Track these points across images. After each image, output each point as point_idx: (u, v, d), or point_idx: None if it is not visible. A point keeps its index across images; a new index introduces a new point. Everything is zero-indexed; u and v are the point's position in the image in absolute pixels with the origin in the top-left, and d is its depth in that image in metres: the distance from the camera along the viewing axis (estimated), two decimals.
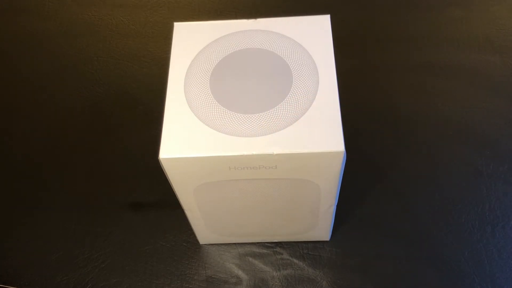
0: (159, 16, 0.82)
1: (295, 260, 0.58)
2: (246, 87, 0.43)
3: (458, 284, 0.55)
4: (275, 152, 0.40)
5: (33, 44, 0.81)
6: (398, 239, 0.58)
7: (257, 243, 0.59)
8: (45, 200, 0.64)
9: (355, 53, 0.74)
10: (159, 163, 0.60)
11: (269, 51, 0.46)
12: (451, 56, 0.74)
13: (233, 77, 0.44)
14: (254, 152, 0.40)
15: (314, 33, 0.46)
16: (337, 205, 0.50)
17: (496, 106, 0.68)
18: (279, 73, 0.44)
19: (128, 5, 0.84)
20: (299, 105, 0.42)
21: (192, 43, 0.47)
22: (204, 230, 0.56)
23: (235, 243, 0.59)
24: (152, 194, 0.64)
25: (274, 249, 0.59)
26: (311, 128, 0.41)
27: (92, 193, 0.64)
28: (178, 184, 0.45)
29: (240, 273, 0.57)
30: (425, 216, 0.60)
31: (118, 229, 0.61)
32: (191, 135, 0.41)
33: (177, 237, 0.60)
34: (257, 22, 0.48)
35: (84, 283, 0.58)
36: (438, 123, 0.67)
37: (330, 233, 0.58)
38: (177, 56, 0.46)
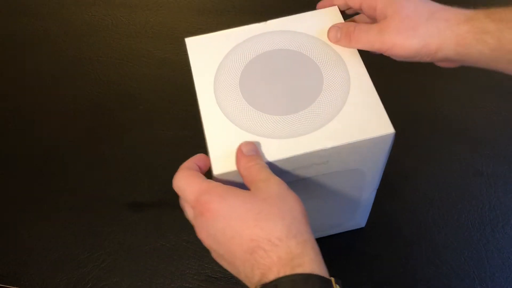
0: (159, 16, 0.82)
1: None
2: (277, 88, 0.43)
3: (458, 284, 0.55)
4: (328, 146, 0.39)
5: (33, 44, 0.81)
6: (398, 239, 0.58)
7: None
8: (45, 200, 0.64)
9: None
10: (159, 163, 0.60)
11: (290, 50, 0.45)
12: None
13: (262, 81, 0.44)
14: (308, 151, 0.39)
15: (328, 26, 0.46)
16: None
17: (496, 106, 0.68)
18: (307, 70, 0.44)
19: (128, 5, 0.84)
20: (336, 97, 0.42)
21: (210, 55, 0.46)
22: None
23: None
24: (152, 194, 0.64)
25: None
26: (355, 117, 0.41)
27: (92, 193, 0.64)
28: None
29: None
30: (425, 216, 0.60)
31: (118, 229, 0.61)
32: (234, 144, 0.40)
33: (177, 237, 0.60)
34: (267, 24, 0.47)
35: (84, 283, 0.58)
36: (438, 123, 0.67)
37: (366, 219, 0.58)
38: (199, 71, 0.45)
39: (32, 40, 0.81)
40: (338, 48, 0.45)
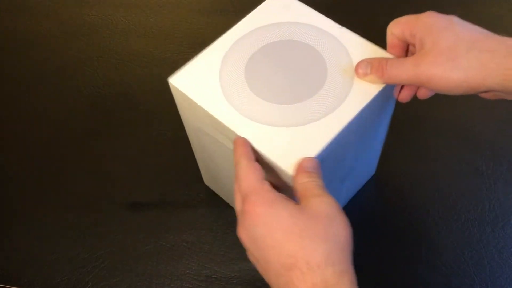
0: (159, 16, 0.82)
1: None
2: (283, 78, 0.44)
3: (458, 284, 0.55)
4: (355, 113, 0.41)
5: (33, 44, 0.81)
6: (398, 239, 0.58)
7: None
8: (45, 200, 0.64)
9: None
10: (159, 163, 0.60)
11: (293, 40, 0.46)
12: None
13: (268, 72, 0.44)
14: (339, 129, 0.41)
15: (294, 10, 0.48)
16: None
17: (496, 106, 0.68)
18: (311, 61, 0.45)
19: (128, 5, 0.84)
20: (342, 85, 0.43)
21: (203, 81, 0.45)
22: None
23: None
24: (152, 194, 0.64)
25: None
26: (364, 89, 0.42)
27: (92, 193, 0.64)
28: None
29: (238, 274, 0.57)
30: (425, 216, 0.60)
31: (118, 229, 0.61)
32: (284, 142, 0.41)
33: (177, 237, 0.60)
34: (236, 28, 0.48)
35: (84, 283, 0.58)
36: (438, 123, 0.67)
37: (376, 167, 0.61)
38: (204, 99, 0.44)
39: (32, 40, 0.81)
40: (342, 39, 0.46)
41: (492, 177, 0.62)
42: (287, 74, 0.44)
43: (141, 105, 0.72)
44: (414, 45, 0.43)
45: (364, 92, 0.42)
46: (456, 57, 0.38)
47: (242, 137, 0.40)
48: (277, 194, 0.36)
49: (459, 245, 0.57)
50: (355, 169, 0.54)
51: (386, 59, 0.42)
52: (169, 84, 0.43)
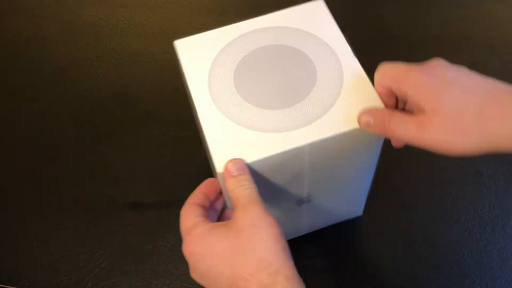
0: (159, 16, 0.82)
1: None
2: (273, 83, 0.43)
3: (458, 284, 0.55)
4: (323, 137, 0.40)
5: (33, 44, 0.81)
6: (398, 239, 0.58)
7: None
8: (45, 200, 0.64)
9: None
10: (159, 163, 0.60)
11: (283, 45, 0.46)
12: (451, 56, 0.74)
13: (256, 76, 0.44)
14: (299, 145, 0.40)
15: (317, 20, 0.47)
16: None
17: None
18: (300, 64, 0.44)
19: (128, 5, 0.84)
20: (330, 91, 0.42)
21: (201, 55, 0.46)
22: None
23: None
24: (152, 194, 0.64)
25: None
26: (350, 107, 0.41)
27: (92, 193, 0.64)
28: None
29: None
30: (425, 216, 0.60)
31: (118, 229, 0.61)
32: (235, 141, 0.40)
33: (177, 237, 0.60)
34: (255, 21, 0.48)
35: (84, 283, 0.58)
36: None
37: (363, 207, 0.58)
38: (191, 71, 0.45)
39: (32, 40, 0.81)
40: (329, 41, 0.45)
41: (492, 177, 0.62)
42: (275, 79, 0.43)
43: (141, 105, 0.72)
44: (405, 102, 0.41)
45: (337, 122, 0.40)
46: (465, 127, 0.35)
47: (202, 183, 0.42)
48: (207, 225, 0.37)
49: (459, 245, 0.57)
50: (322, 200, 0.51)
51: (389, 115, 0.38)
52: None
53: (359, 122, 0.40)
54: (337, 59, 0.44)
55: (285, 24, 0.47)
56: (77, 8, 0.84)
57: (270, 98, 0.42)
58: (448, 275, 0.56)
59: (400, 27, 0.78)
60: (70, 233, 0.61)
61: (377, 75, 0.41)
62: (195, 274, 0.38)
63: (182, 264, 0.58)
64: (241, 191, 0.37)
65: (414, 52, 0.73)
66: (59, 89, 0.75)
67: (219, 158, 0.39)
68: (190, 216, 0.39)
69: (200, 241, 0.37)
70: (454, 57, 0.74)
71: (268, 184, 0.43)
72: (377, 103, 0.41)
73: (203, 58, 0.46)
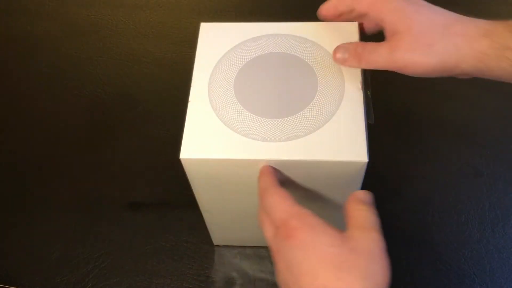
0: (159, 16, 0.82)
1: None
2: (270, 91, 0.43)
3: (458, 284, 0.55)
4: (297, 159, 0.39)
5: (33, 44, 0.81)
6: (398, 239, 0.58)
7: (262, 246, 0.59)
8: (45, 200, 0.64)
9: None
10: (159, 163, 0.60)
11: (294, 55, 0.45)
12: None
13: (256, 82, 0.43)
14: (277, 158, 0.39)
15: (341, 39, 0.45)
16: None
17: (496, 106, 0.68)
18: (304, 78, 0.43)
19: (128, 5, 0.84)
20: (323, 111, 0.41)
21: (218, 44, 0.46)
22: (220, 231, 0.55)
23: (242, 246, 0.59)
24: (152, 194, 0.64)
25: None
26: (335, 135, 0.40)
27: (92, 193, 0.64)
28: (197, 184, 0.45)
29: (238, 274, 0.57)
30: (425, 216, 0.60)
31: (118, 229, 0.61)
32: (212, 137, 0.40)
33: (177, 237, 0.60)
34: (286, 25, 0.46)
35: (84, 283, 0.58)
36: (438, 123, 0.67)
37: None
38: (202, 57, 0.45)
39: (32, 40, 0.81)
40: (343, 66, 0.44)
41: (492, 177, 0.62)
42: (275, 88, 0.43)
43: (141, 105, 0.72)
44: (380, 28, 0.43)
45: (319, 147, 0.40)
46: (431, 42, 0.38)
47: (267, 166, 0.40)
48: (319, 219, 0.35)
49: (459, 245, 0.57)
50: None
51: (362, 45, 0.42)
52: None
53: (334, 59, 0.43)
54: (342, 83, 0.43)
55: (312, 37, 0.46)
56: (77, 8, 0.84)
57: (265, 105, 0.42)
58: (448, 275, 0.56)
59: None
60: (70, 233, 0.61)
61: None
62: (279, 257, 0.35)
63: (182, 264, 0.58)
64: (367, 216, 0.36)
65: None
66: (59, 89, 0.75)
67: (188, 145, 0.40)
68: (290, 200, 0.36)
69: (311, 230, 0.34)
70: None
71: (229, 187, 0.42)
72: (362, 134, 0.40)
73: (218, 47, 0.45)
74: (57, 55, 0.79)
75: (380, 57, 0.40)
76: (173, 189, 0.63)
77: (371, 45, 0.41)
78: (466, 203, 0.60)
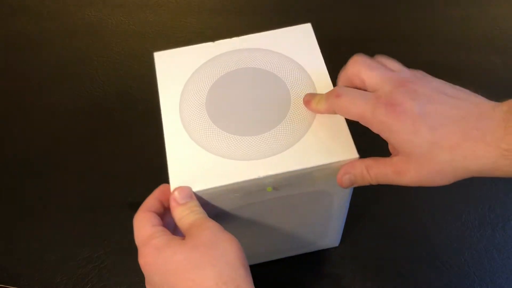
0: (159, 16, 0.82)
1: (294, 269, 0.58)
2: (245, 108, 0.42)
3: (458, 284, 0.55)
4: (290, 169, 0.38)
5: (33, 44, 0.81)
6: (398, 239, 0.58)
7: None
8: (45, 200, 0.64)
9: (352, 53, 0.74)
10: (159, 163, 0.60)
11: (261, 69, 0.44)
12: (451, 56, 0.74)
13: (228, 100, 0.42)
14: (270, 173, 0.38)
15: (300, 44, 0.45)
16: None
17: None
18: (275, 89, 0.43)
19: (128, 5, 0.84)
20: (302, 119, 0.41)
21: (178, 72, 0.44)
22: None
23: None
24: None
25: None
26: (320, 140, 0.39)
27: (92, 193, 0.64)
28: None
29: None
30: (425, 216, 0.60)
31: (118, 229, 0.61)
32: (198, 165, 0.39)
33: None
34: (241, 40, 0.46)
35: (84, 283, 0.58)
36: None
37: (339, 240, 0.57)
38: (165, 87, 0.44)
39: (32, 40, 0.81)
40: (309, 68, 0.44)
41: (492, 177, 0.62)
42: (247, 105, 0.42)
43: (141, 105, 0.72)
44: None
45: (302, 156, 0.39)
46: (440, 168, 0.36)
47: (160, 186, 0.42)
48: (164, 237, 0.36)
49: (459, 245, 0.57)
50: (290, 230, 0.50)
51: (366, 167, 0.38)
52: None
53: (342, 185, 0.39)
54: (313, 89, 0.43)
55: (268, 46, 0.45)
56: (77, 8, 0.84)
57: (240, 124, 0.41)
58: (448, 275, 0.56)
59: (400, 28, 0.78)
60: (70, 233, 0.61)
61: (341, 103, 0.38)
62: (150, 285, 0.38)
63: None
64: (192, 215, 0.37)
65: (413, 52, 0.73)
66: (59, 89, 0.75)
67: (175, 180, 0.40)
68: (146, 225, 0.38)
69: (157, 253, 0.36)
70: (454, 57, 0.74)
71: (224, 207, 0.42)
72: (346, 133, 0.40)
73: (179, 74, 0.44)
74: (57, 55, 0.79)
75: (389, 180, 0.38)
76: None
77: (376, 168, 0.38)
78: (466, 203, 0.60)
